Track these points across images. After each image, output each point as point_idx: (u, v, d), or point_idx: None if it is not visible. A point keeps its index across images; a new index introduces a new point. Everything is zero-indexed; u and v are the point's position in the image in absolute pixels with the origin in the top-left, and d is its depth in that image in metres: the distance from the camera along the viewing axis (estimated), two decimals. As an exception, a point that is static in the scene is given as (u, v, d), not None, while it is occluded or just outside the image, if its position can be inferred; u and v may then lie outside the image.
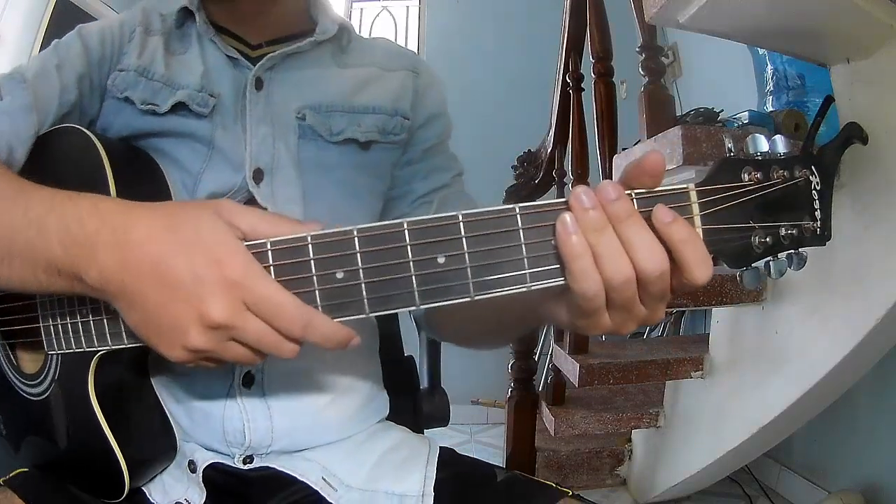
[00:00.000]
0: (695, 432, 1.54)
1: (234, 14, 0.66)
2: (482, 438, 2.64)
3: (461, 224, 0.38)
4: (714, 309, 1.48)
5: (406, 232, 0.38)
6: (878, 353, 1.19)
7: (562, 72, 1.85)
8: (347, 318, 0.40)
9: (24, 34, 1.86)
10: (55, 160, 0.57)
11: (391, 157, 0.69)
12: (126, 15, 0.66)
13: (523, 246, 0.38)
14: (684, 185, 0.39)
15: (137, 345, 0.45)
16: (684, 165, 1.03)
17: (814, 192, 0.40)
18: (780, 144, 0.40)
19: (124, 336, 0.46)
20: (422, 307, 0.39)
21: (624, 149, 1.37)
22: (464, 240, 0.38)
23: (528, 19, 2.87)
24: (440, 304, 0.38)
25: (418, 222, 0.38)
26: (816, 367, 1.17)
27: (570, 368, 1.48)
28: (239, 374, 0.59)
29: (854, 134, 0.42)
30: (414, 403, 0.84)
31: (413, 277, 0.38)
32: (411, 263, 0.38)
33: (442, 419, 0.88)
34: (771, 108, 1.49)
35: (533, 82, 2.48)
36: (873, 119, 1.01)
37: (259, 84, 0.63)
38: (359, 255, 0.38)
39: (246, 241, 0.40)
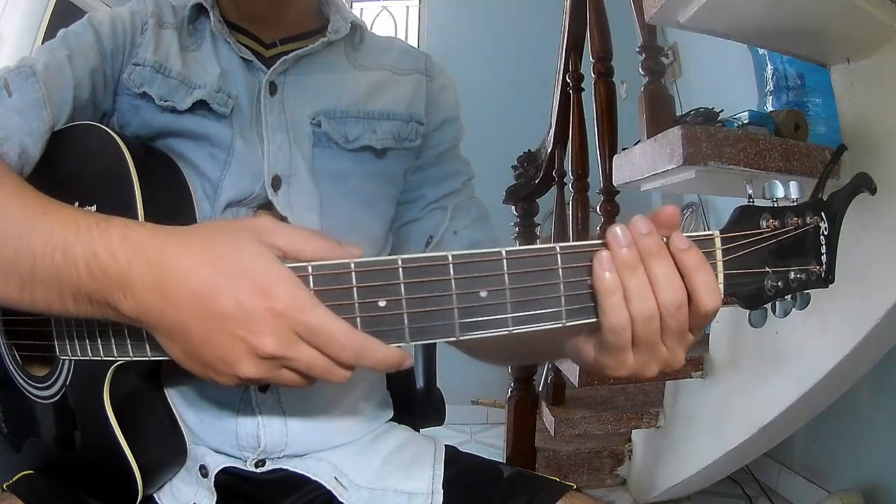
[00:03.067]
0: (695, 432, 1.54)
1: (249, 11, 0.64)
2: (482, 438, 2.64)
3: (504, 261, 0.39)
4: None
5: (451, 266, 0.39)
6: (878, 353, 1.19)
7: (562, 72, 1.85)
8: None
9: (24, 34, 1.86)
10: (76, 159, 0.55)
11: (405, 163, 0.68)
12: (135, 5, 0.64)
13: (562, 284, 0.39)
14: (710, 233, 0.41)
15: (162, 358, 0.44)
16: (684, 165, 1.03)
17: (821, 236, 0.43)
18: (794, 190, 0.42)
19: (148, 348, 0.46)
20: (461, 338, 0.39)
21: (624, 149, 1.37)
22: (506, 276, 0.39)
23: (528, 19, 2.87)
24: (479, 335, 0.39)
25: (463, 256, 0.39)
26: (816, 367, 1.17)
27: (570, 368, 1.48)
28: None
29: (863, 184, 0.44)
30: (411, 403, 0.84)
31: (455, 310, 0.39)
32: (454, 296, 0.39)
33: (437, 418, 0.89)
34: (771, 108, 1.49)
35: (533, 82, 2.48)
36: (873, 119, 1.01)
37: (273, 89, 0.62)
38: (402, 285, 0.39)
39: (286, 262, 0.39)
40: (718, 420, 1.45)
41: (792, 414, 1.27)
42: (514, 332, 0.39)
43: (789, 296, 0.43)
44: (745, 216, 0.42)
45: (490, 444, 2.56)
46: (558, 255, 0.39)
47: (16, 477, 0.57)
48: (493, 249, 0.39)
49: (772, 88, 1.53)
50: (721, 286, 0.41)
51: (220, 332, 0.38)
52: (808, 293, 0.43)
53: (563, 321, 0.40)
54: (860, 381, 1.32)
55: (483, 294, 0.39)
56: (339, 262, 0.39)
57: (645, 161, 1.17)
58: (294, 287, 0.38)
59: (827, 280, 0.43)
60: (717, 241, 0.41)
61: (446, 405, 0.92)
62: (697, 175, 1.06)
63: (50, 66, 0.56)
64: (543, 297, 0.39)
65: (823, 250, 0.42)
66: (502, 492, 0.60)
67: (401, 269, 0.39)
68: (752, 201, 0.42)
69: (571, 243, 0.40)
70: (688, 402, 1.57)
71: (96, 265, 0.39)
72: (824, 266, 0.43)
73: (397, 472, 0.62)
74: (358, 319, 0.39)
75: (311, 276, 0.39)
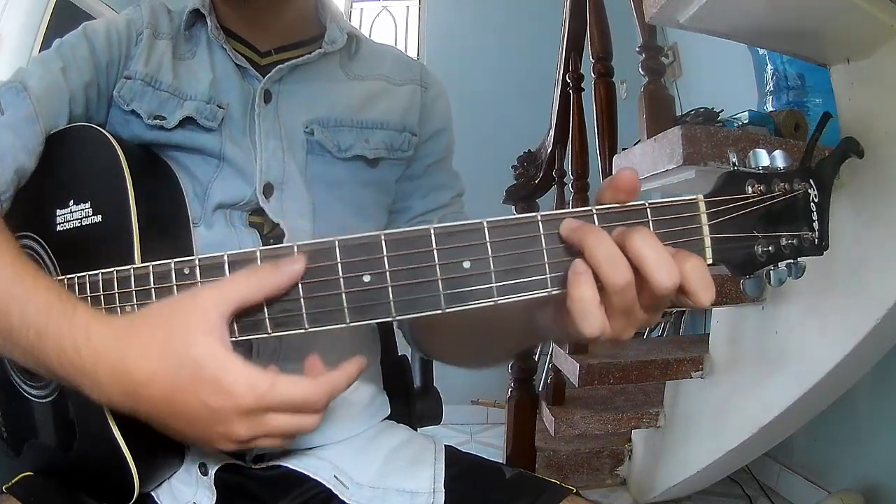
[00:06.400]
0: (695, 432, 1.54)
1: (246, 18, 0.65)
2: (482, 438, 2.64)
3: (486, 230, 0.39)
4: (714, 309, 1.48)
5: (433, 237, 0.39)
6: (877, 354, 1.19)
7: (562, 72, 1.85)
8: (374, 321, 0.40)
9: (24, 34, 1.86)
10: (72, 158, 0.56)
11: (397, 173, 0.69)
12: (132, 13, 0.64)
13: (545, 251, 0.39)
14: (694, 197, 0.40)
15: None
16: (684, 165, 1.03)
17: (811, 203, 0.42)
18: (780, 159, 0.42)
19: None
20: (447, 310, 0.39)
21: (624, 149, 1.37)
22: (488, 245, 0.39)
23: (529, 19, 2.86)
24: (465, 307, 0.39)
25: (444, 228, 0.39)
26: (816, 367, 1.17)
27: (570, 368, 1.48)
28: None
29: (851, 149, 0.44)
30: (408, 402, 0.84)
31: (439, 282, 0.39)
32: (438, 268, 0.39)
33: (434, 418, 0.89)
34: (771, 108, 1.49)
35: (533, 82, 2.48)
36: (873, 119, 1.01)
37: (268, 97, 0.62)
38: (386, 258, 0.39)
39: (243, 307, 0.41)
40: (718, 420, 1.45)
41: (792, 414, 1.27)
42: (500, 301, 0.39)
43: (783, 264, 0.42)
44: (731, 181, 0.41)
45: (490, 444, 2.56)
46: (539, 223, 0.39)
47: (15, 479, 0.57)
48: (475, 220, 0.39)
49: (772, 88, 1.53)
50: (709, 250, 0.40)
51: (192, 425, 0.41)
52: (802, 263, 0.42)
53: (549, 289, 0.39)
54: (860, 381, 1.32)
55: (466, 265, 0.39)
56: (323, 239, 0.40)
57: (645, 161, 1.17)
58: (250, 380, 0.40)
59: (821, 247, 0.42)
60: (702, 206, 0.40)
61: (446, 405, 0.92)
62: (697, 175, 1.06)
63: (44, 79, 0.57)
64: (527, 265, 0.39)
65: (815, 217, 0.42)
66: (504, 493, 0.60)
67: (384, 242, 0.39)
68: (737, 168, 0.42)
69: (552, 211, 0.40)
70: (688, 402, 1.57)
71: (65, 356, 0.41)
72: (817, 233, 0.42)
73: (399, 470, 0.62)
74: (344, 296, 0.39)
75: (295, 255, 0.40)
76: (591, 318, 0.38)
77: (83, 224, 0.53)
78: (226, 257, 0.42)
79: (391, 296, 0.39)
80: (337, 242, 0.40)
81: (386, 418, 0.72)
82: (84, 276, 0.48)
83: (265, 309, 0.41)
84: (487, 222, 0.39)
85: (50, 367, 0.42)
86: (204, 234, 0.59)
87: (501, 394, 1.98)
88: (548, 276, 0.39)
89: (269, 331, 0.42)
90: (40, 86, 0.56)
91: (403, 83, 0.70)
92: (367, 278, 0.39)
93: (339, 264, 0.39)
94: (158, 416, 0.42)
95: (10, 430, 0.62)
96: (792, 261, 0.42)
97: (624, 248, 0.37)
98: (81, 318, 0.42)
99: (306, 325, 0.41)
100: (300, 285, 0.40)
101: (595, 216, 0.39)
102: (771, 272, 0.42)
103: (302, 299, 0.40)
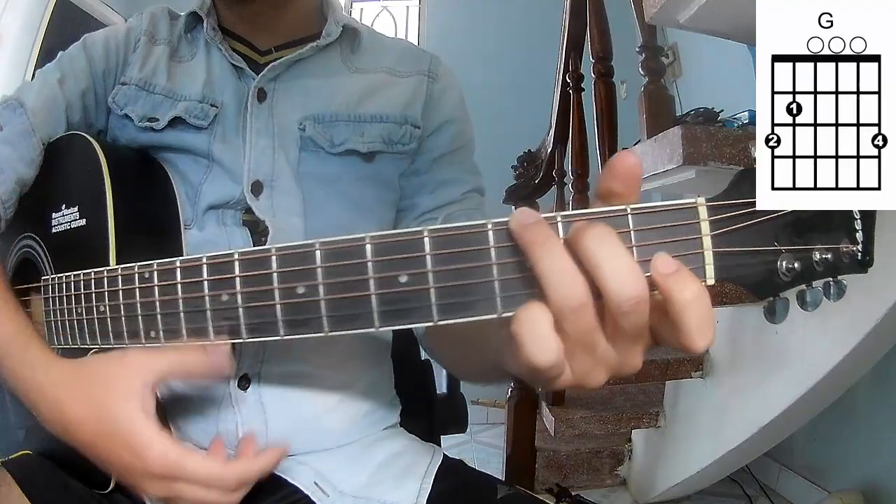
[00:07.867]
0: (695, 432, 1.54)
1: (245, 18, 0.65)
2: (482, 438, 2.64)
3: (426, 240, 0.34)
4: (714, 309, 1.48)
5: (367, 247, 0.35)
6: (878, 353, 1.19)
7: (562, 72, 1.85)
8: (308, 335, 0.37)
9: (24, 34, 1.86)
10: (62, 165, 0.59)
11: (399, 167, 0.66)
12: (134, 21, 0.66)
13: (494, 267, 0.33)
14: (692, 200, 0.32)
15: (136, 346, 0.45)
16: (684, 165, 1.03)
17: (855, 209, 0.33)
18: None
19: (125, 336, 0.46)
20: (381, 329, 0.35)
21: (624, 148, 1.37)
22: (428, 258, 0.34)
23: (529, 19, 2.87)
24: (401, 326, 0.36)
25: (381, 237, 0.35)
26: (816, 367, 1.17)
27: (570, 368, 1.48)
28: (236, 374, 0.58)
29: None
30: (429, 408, 0.81)
31: (373, 297, 0.35)
32: (371, 281, 0.35)
33: (459, 425, 0.86)
34: (771, 108, 1.49)
35: (533, 82, 2.48)
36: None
37: (262, 95, 0.62)
38: (320, 269, 0.36)
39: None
40: (718, 420, 1.45)
41: (792, 414, 1.27)
42: (441, 323, 0.34)
43: (819, 283, 0.33)
44: (747, 181, 0.32)
45: (490, 444, 2.56)
46: (490, 233, 0.33)
47: (14, 455, 0.58)
48: (415, 229, 0.34)
49: (772, 88, 1.53)
50: (710, 268, 0.32)
51: (114, 470, 0.46)
52: (843, 282, 0.33)
53: (499, 311, 0.33)
54: (860, 381, 1.32)
55: (403, 279, 0.34)
56: (261, 247, 0.38)
57: (645, 161, 1.17)
58: (161, 448, 0.43)
59: (864, 263, 0.33)
60: (702, 211, 0.32)
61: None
62: (697, 175, 1.06)
63: (42, 91, 0.60)
64: (473, 281, 0.33)
65: (859, 226, 0.32)
66: None
67: (318, 251, 0.36)
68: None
69: (504, 219, 0.33)
70: (688, 402, 1.57)
71: (18, 384, 0.48)
72: (860, 245, 0.32)
73: (386, 481, 0.60)
74: (278, 307, 0.37)
75: (236, 262, 0.39)
76: (540, 342, 0.31)
77: (71, 227, 0.56)
78: (204, 259, 0.41)
79: (323, 310, 0.36)
80: (274, 250, 0.37)
81: (403, 424, 0.69)
82: (69, 275, 0.51)
83: (209, 316, 0.41)
84: (429, 231, 0.34)
85: (10, 384, 0.49)
86: (195, 235, 0.59)
87: (501, 394, 1.98)
88: (497, 296, 0.33)
89: (212, 338, 0.41)
90: (38, 99, 0.60)
91: (409, 75, 0.68)
92: (300, 290, 0.36)
93: (275, 274, 0.37)
94: (89, 455, 0.46)
95: (16, 412, 0.63)
96: (831, 279, 0.33)
97: (577, 251, 0.31)
98: (32, 356, 0.48)
99: (244, 336, 0.39)
100: (239, 295, 0.38)
101: (560, 224, 0.32)
102: (807, 293, 0.33)
103: (240, 308, 0.38)
